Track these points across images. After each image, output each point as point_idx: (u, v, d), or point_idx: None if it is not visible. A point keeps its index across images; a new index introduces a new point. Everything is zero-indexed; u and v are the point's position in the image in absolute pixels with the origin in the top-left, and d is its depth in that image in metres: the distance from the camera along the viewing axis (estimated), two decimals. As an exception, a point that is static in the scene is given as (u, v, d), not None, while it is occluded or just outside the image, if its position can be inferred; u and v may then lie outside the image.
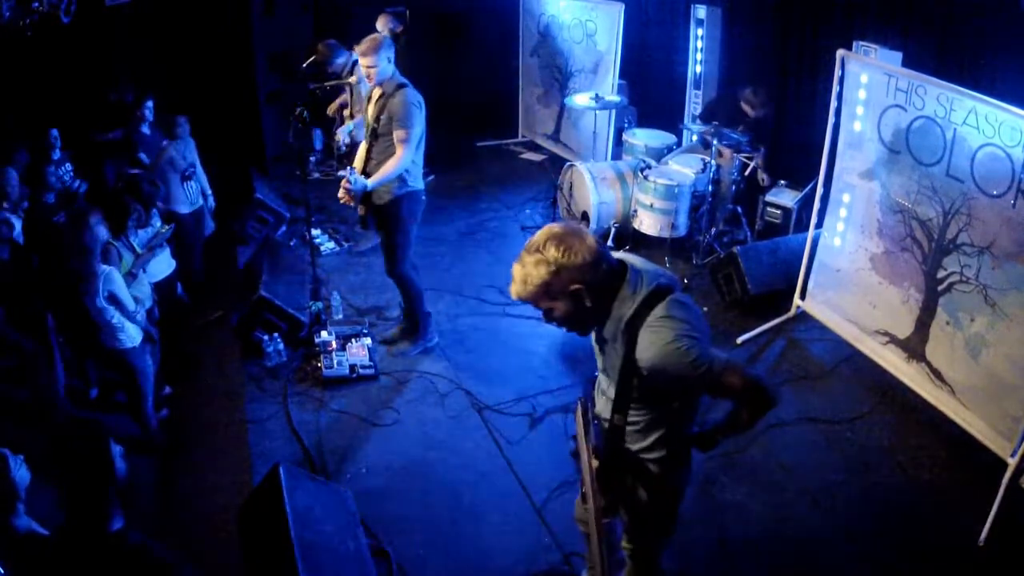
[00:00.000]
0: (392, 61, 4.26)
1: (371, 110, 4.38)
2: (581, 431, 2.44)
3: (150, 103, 5.85)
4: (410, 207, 4.48)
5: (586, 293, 2.14)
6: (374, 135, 4.36)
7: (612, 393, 2.34)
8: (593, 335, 2.40)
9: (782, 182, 6.15)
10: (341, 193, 4.32)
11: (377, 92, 4.35)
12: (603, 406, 2.46)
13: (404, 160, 4.28)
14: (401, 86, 4.28)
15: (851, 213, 4.73)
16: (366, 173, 4.38)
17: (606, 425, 2.44)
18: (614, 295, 2.20)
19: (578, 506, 3.00)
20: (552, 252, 2.10)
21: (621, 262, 2.24)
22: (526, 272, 2.14)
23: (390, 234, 4.55)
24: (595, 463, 2.42)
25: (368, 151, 4.43)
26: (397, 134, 4.25)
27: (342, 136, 5.92)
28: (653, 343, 2.13)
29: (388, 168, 4.26)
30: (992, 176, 3.65)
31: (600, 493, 2.38)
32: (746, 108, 5.92)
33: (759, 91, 5.87)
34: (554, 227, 2.17)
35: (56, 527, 2.15)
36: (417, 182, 4.47)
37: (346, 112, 6.27)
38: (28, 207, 4.72)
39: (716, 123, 5.77)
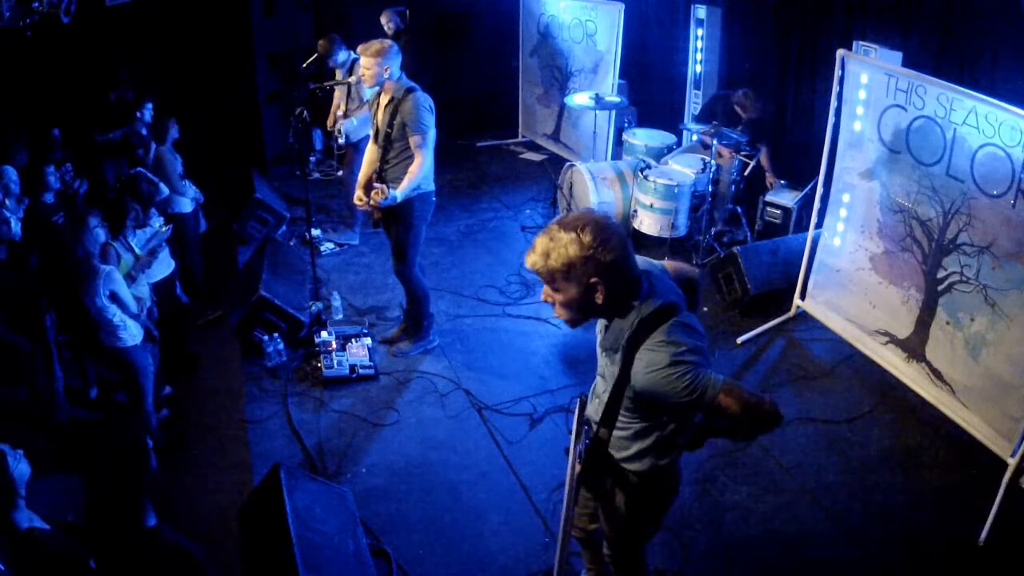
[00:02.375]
0: (393, 70, 4.24)
1: (381, 115, 4.38)
2: (574, 431, 2.44)
3: (149, 105, 5.84)
4: (422, 208, 4.50)
5: (600, 290, 2.11)
6: (388, 140, 4.36)
7: (606, 399, 2.32)
8: (598, 338, 2.39)
9: (782, 182, 6.15)
10: (375, 196, 4.25)
11: (385, 97, 4.35)
12: (594, 410, 2.45)
13: (425, 164, 4.32)
14: (411, 90, 4.27)
15: (851, 213, 4.73)
16: (382, 178, 4.40)
17: (595, 429, 2.43)
18: (625, 304, 2.18)
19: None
20: (589, 237, 2.05)
21: (640, 275, 2.19)
22: (554, 246, 2.08)
23: (401, 234, 4.54)
24: (578, 468, 2.42)
25: (383, 156, 4.43)
26: (414, 140, 4.27)
27: (344, 126, 5.89)
28: (647, 367, 2.11)
29: (413, 174, 4.29)
30: (992, 176, 3.65)
31: (577, 498, 2.36)
32: (739, 110, 5.92)
33: (750, 93, 5.87)
34: (596, 214, 2.13)
35: (86, 521, 2.13)
36: (429, 184, 4.49)
37: (341, 109, 6.26)
38: (27, 207, 4.72)
39: (716, 123, 5.78)
